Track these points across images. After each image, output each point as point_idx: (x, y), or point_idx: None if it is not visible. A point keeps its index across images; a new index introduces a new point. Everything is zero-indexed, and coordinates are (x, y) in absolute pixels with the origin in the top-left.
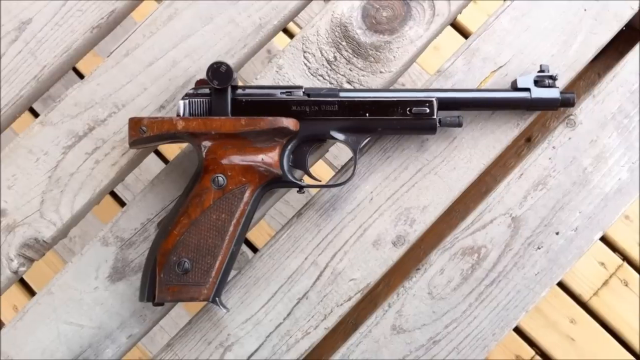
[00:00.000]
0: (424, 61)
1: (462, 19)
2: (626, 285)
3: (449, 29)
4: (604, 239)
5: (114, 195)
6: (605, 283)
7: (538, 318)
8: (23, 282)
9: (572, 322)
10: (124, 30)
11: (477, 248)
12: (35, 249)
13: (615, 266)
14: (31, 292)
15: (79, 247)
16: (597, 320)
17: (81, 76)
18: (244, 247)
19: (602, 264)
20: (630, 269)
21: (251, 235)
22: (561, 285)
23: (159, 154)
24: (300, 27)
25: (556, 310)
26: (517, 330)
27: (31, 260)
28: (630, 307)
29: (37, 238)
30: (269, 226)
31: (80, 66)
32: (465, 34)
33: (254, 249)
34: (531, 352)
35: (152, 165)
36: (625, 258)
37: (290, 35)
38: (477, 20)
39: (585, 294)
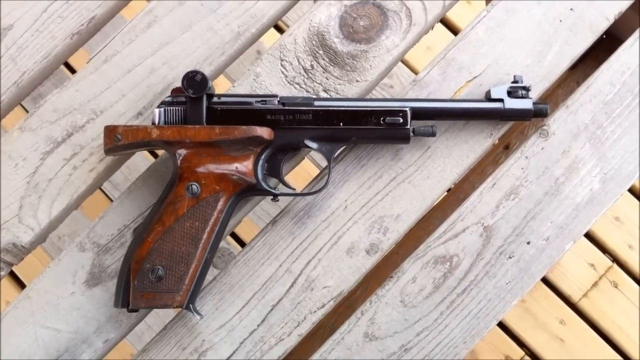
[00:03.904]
0: (417, 63)
1: (456, 21)
2: (616, 287)
3: (444, 30)
4: (594, 241)
5: (106, 195)
6: (595, 284)
7: (528, 318)
8: (20, 283)
9: (561, 323)
10: (114, 29)
11: (449, 257)
12: (14, 254)
13: (605, 268)
14: None
15: None
16: (586, 322)
17: None
18: (232, 244)
19: (592, 265)
20: (620, 270)
21: (243, 233)
22: (551, 286)
23: (152, 152)
24: None
25: (546, 311)
26: (507, 331)
27: (10, 265)
28: (620, 308)
29: (15, 243)
30: (256, 226)
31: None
32: None
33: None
34: (520, 352)
35: (141, 165)
36: (615, 260)
37: None
38: None
39: (575, 295)
